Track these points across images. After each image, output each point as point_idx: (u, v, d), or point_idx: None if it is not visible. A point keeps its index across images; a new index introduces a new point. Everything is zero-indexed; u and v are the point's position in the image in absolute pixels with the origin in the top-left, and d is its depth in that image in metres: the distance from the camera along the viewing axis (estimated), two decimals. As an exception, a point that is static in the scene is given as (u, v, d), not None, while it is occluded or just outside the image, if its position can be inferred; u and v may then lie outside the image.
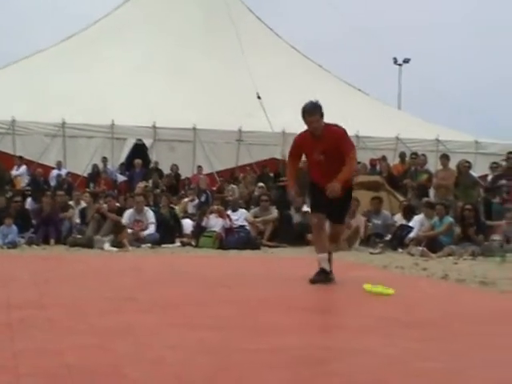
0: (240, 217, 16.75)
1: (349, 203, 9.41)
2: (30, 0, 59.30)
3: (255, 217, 16.95)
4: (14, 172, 21.90)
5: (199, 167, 23.41)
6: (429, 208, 15.62)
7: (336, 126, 8.80)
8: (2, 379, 4.09)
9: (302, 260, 13.16)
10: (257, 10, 34.34)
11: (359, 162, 20.56)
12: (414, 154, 21.58)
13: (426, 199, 17.54)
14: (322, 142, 8.56)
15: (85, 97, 24.74)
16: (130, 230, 15.64)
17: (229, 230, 16.09)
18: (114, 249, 14.63)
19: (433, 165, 21.12)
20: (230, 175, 23.25)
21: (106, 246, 14.75)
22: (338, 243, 9.44)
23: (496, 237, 15.21)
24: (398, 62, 46.20)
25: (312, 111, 8.58)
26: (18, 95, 24.64)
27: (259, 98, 26.57)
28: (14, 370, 4.25)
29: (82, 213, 16.64)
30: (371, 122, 25.80)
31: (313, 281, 8.47)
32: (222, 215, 16.30)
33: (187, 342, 5.11)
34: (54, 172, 22.31)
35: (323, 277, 8.57)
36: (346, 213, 9.46)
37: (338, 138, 8.61)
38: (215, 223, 16.13)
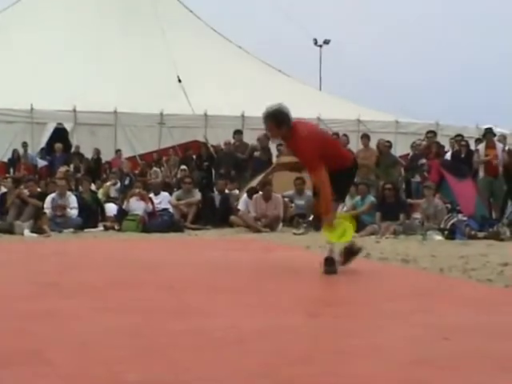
0: (163, 200, 16.71)
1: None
2: None
3: (178, 199, 16.94)
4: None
5: (119, 151, 23.22)
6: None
7: (302, 124, 8.10)
8: None
9: (226, 242, 13.25)
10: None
11: (280, 144, 20.73)
12: (336, 134, 21.75)
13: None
14: (293, 146, 8.04)
15: (3, 81, 24.31)
16: (54, 218, 15.45)
17: (152, 214, 16.04)
18: (35, 235, 14.44)
19: (354, 145, 21.32)
20: (152, 158, 23.13)
21: (26, 231, 14.54)
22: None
23: (416, 215, 15.49)
24: (319, 44, 46.46)
25: (264, 119, 7.93)
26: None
27: (180, 81, 26.52)
28: None
29: (2, 198, 16.36)
30: (292, 102, 25.82)
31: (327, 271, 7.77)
32: (143, 198, 16.23)
33: (111, 326, 5.11)
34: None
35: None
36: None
37: (297, 148, 7.94)
38: (137, 206, 16.05)
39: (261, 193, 16.06)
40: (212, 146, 22.98)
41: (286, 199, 16.61)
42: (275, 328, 5.09)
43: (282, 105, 7.93)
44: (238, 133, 21.13)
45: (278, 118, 7.77)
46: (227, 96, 25.50)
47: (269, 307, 6.02)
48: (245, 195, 16.37)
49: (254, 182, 17.14)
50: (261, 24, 58.95)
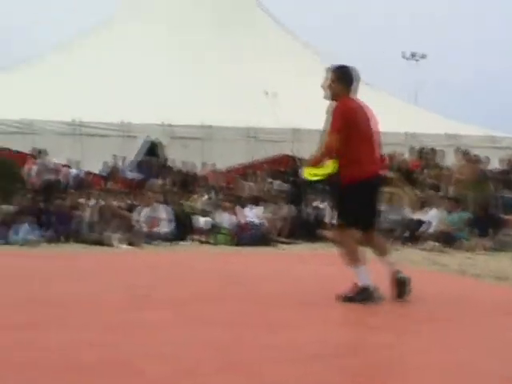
0: (253, 213, 16.75)
1: (343, 202, 7.36)
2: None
3: (269, 213, 16.96)
4: (27, 170, 21.88)
5: (211, 164, 23.39)
6: (446, 202, 15.60)
7: (348, 100, 7.34)
8: (29, 375, 4.13)
9: (316, 256, 13.19)
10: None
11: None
12: (426, 149, 21.49)
13: (441, 194, 17.47)
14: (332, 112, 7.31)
15: (97, 96, 24.78)
16: (145, 229, 15.69)
17: (242, 227, 16.11)
18: (126, 246, 14.66)
19: (447, 160, 21.00)
20: (243, 172, 23.22)
21: (119, 243, 14.78)
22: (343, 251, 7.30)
23: (509, 231, 15.17)
24: (410, 57, 45.92)
25: (330, 68, 7.44)
26: (33, 94, 24.69)
27: (269, 94, 26.58)
28: (29, 365, 4.29)
29: (96, 211, 16.65)
30: (382, 117, 25.63)
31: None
32: (232, 212, 16.31)
33: (200, 339, 5.13)
34: (69, 170, 22.32)
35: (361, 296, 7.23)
36: (340, 212, 7.40)
37: (332, 112, 7.25)
38: (227, 220, 16.16)
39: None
40: (301, 159, 22.94)
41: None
42: (364, 344, 5.05)
43: (354, 70, 7.45)
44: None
45: (344, 74, 7.37)
46: (316, 110, 25.41)
47: (358, 323, 5.96)
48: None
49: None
50: (351, 37, 58.75)
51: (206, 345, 4.93)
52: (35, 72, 27.32)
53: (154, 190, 17.81)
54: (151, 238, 15.58)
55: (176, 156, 23.58)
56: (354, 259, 7.11)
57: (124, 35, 29.42)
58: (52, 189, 18.50)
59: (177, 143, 24.38)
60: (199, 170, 23.08)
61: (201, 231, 16.65)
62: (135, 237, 15.12)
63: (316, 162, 7.35)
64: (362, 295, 6.94)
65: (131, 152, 24.19)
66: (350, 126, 7.10)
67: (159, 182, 20.54)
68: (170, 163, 23.22)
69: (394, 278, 7.12)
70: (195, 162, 23.25)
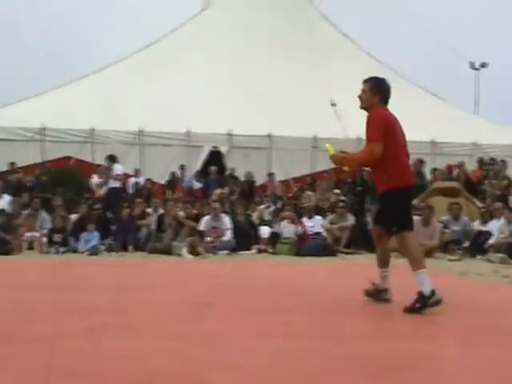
0: (316, 223, 16.72)
1: (386, 209, 7.58)
2: (108, 10, 60.13)
3: (331, 223, 16.91)
4: (93, 180, 22.18)
5: (272, 174, 23.45)
6: (508, 213, 15.41)
7: (384, 110, 7.67)
8: (86, 383, 4.18)
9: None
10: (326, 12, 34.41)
11: (435, 169, 20.38)
12: (492, 160, 21.24)
13: (502, 204, 17.24)
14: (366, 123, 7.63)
15: (161, 105, 25.00)
16: (208, 238, 15.77)
17: (303, 237, 16.09)
18: (191, 256, 14.76)
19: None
20: (306, 182, 23.21)
21: (184, 252, 14.88)
22: (408, 257, 7.41)
23: None
24: (475, 67, 45.46)
25: (366, 79, 7.84)
26: (97, 104, 25.02)
27: (333, 105, 26.45)
28: (97, 374, 4.35)
29: (160, 220, 16.80)
30: (448, 127, 25.49)
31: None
32: (294, 221, 16.32)
33: (264, 348, 5.16)
34: (132, 180, 22.56)
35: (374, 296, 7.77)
36: (388, 218, 7.52)
37: (368, 122, 7.56)
38: (288, 230, 16.17)
39: (418, 217, 15.83)
40: (366, 170, 22.84)
41: (441, 225, 16.30)
42: (431, 356, 5.01)
43: (387, 81, 7.91)
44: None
45: (378, 86, 7.77)
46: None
47: (419, 334, 5.92)
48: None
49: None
50: (415, 48, 58.21)
51: (272, 354, 4.95)
52: (100, 82, 27.67)
53: (217, 200, 17.88)
54: (215, 247, 15.66)
55: (238, 165, 23.67)
56: (420, 263, 7.22)
57: (188, 46, 29.65)
58: (117, 198, 18.70)
59: (239, 153, 24.50)
60: (262, 180, 23.14)
61: (262, 241, 16.68)
62: (199, 246, 15.20)
63: (350, 163, 8.08)
64: (428, 302, 6.95)
65: (194, 161, 24.36)
66: (389, 134, 7.39)
67: (222, 191, 20.62)
68: (232, 173, 23.32)
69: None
70: (258, 171, 23.30)
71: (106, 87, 26.77)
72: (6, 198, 17.68)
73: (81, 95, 26.37)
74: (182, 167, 23.29)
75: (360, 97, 7.75)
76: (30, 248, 15.65)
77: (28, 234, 15.87)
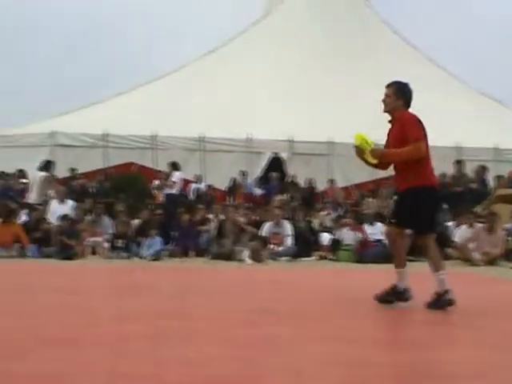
0: (377, 230, 16.59)
1: (417, 207, 7.59)
2: (170, 18, 60.64)
3: (393, 230, 16.77)
4: (153, 186, 22.31)
5: (333, 180, 23.36)
6: None
7: (411, 113, 7.87)
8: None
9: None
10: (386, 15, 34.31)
11: (499, 176, 20.09)
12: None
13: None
14: (392, 129, 7.94)
15: (223, 111, 25.11)
16: (271, 246, 15.78)
17: (365, 244, 16.00)
18: (251, 261, 14.78)
19: None
20: (367, 188, 23.08)
21: (246, 258, 14.91)
22: (428, 257, 7.77)
23: None
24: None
25: (389, 84, 7.99)
26: (159, 110, 25.23)
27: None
28: (158, 379, 4.36)
29: (221, 226, 16.85)
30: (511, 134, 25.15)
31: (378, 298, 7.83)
32: (355, 228, 16.24)
33: (328, 354, 5.12)
34: (194, 185, 22.68)
35: (392, 297, 7.82)
36: (419, 218, 7.59)
37: (404, 123, 7.72)
38: (349, 236, 16.10)
39: (482, 225, 15.63)
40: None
41: (505, 232, 16.07)
42: (496, 365, 4.93)
43: (409, 86, 8.03)
44: (458, 163, 20.82)
45: (401, 90, 7.93)
46: (442, 127, 25.08)
47: (486, 342, 5.83)
48: (463, 227, 16.01)
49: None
50: (477, 53, 57.55)
51: (336, 361, 4.91)
52: (162, 88, 27.93)
53: (278, 206, 17.88)
54: (276, 253, 15.66)
55: (299, 172, 23.65)
56: (440, 264, 7.66)
57: (249, 53, 29.75)
58: (178, 203, 18.81)
59: (300, 159, 24.47)
60: (322, 187, 23.08)
61: (323, 247, 16.64)
62: (260, 252, 15.21)
63: (392, 158, 7.97)
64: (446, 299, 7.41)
65: (255, 167, 24.40)
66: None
67: (283, 197, 20.62)
68: (293, 179, 23.29)
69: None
70: (318, 177, 23.26)
71: (168, 93, 27.01)
72: (70, 203, 17.91)
73: (143, 101, 26.64)
74: (243, 173, 23.34)
75: (384, 101, 7.93)
76: (93, 253, 15.84)
77: (91, 239, 16.06)
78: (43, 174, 19.09)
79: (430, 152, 7.76)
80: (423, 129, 7.72)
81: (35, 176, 19.41)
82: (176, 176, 19.94)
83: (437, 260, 7.70)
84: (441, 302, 7.41)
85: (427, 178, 7.66)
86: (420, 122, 7.76)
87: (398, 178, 7.95)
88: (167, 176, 19.93)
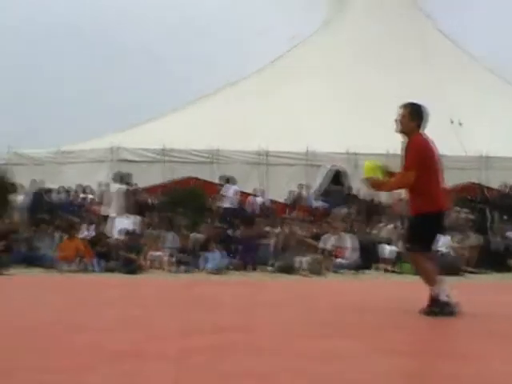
0: (442, 243, 16.45)
1: (419, 230, 7.90)
2: (233, 29, 60.93)
3: (456, 242, 16.61)
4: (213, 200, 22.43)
5: (396, 193, 23.17)
6: None
7: (422, 136, 8.00)
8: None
9: (502, 287, 12.80)
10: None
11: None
12: None
13: None
14: (405, 151, 8.09)
15: (283, 125, 25.16)
16: (333, 259, 15.74)
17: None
18: (312, 274, 14.75)
19: None
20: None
21: (303, 271, 14.90)
22: (421, 275, 8.00)
23: None
24: None
25: (404, 104, 8.13)
26: (220, 125, 25.36)
27: (452, 122, 26.08)
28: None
29: (281, 238, 16.86)
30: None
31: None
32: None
33: (393, 366, 5.09)
34: (255, 199, 22.74)
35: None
36: (415, 239, 7.93)
37: (410, 147, 7.97)
38: (412, 249, 15.97)
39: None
40: (488, 188, 22.43)
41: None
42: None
43: (425, 107, 8.13)
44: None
45: (416, 111, 8.05)
46: (503, 137, 24.81)
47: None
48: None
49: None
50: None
51: (401, 374, 4.88)
52: (222, 102, 28.10)
53: (339, 219, 17.84)
54: (337, 266, 15.62)
55: (361, 185, 23.51)
56: (433, 279, 7.79)
57: (308, 66, 29.81)
58: (238, 217, 18.89)
59: (360, 171, 24.34)
60: (383, 199, 22.92)
61: (386, 260, 16.54)
62: (321, 265, 15.18)
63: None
64: (443, 309, 7.61)
65: (315, 180, 24.36)
66: (426, 161, 7.82)
67: (344, 210, 20.56)
68: (354, 192, 23.20)
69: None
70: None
71: (227, 107, 27.16)
72: (132, 218, 18.08)
73: (203, 115, 26.82)
74: (303, 186, 23.32)
75: (399, 121, 8.07)
76: (155, 267, 15.95)
77: (153, 253, 16.18)
78: (122, 186, 19.21)
79: (440, 175, 7.96)
80: (429, 156, 7.87)
81: (112, 189, 19.51)
82: (227, 190, 20.04)
83: (429, 275, 7.87)
84: (442, 312, 7.59)
85: (434, 203, 7.81)
86: (427, 148, 7.91)
87: (409, 201, 8.13)
88: (227, 190, 20.05)
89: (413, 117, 8.00)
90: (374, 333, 6.76)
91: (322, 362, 5.28)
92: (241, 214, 20.39)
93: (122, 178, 19.66)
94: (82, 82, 54.46)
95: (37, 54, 54.62)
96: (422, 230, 7.87)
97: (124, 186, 19.22)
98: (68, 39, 55.47)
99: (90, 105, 52.10)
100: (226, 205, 20.88)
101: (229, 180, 20.97)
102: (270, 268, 15.63)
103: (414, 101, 8.25)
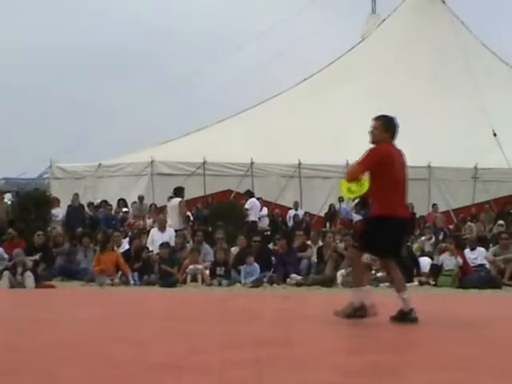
0: (479, 255, 16.33)
1: (369, 231, 8.48)
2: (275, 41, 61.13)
3: (495, 255, 16.46)
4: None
5: (434, 205, 23.09)
6: None
7: (388, 146, 8.43)
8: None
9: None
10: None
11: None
12: None
13: None
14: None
15: (319, 138, 25.17)
16: (373, 272, 15.66)
17: (466, 269, 15.73)
18: (351, 288, 14.68)
19: None
20: (469, 213, 22.73)
21: (343, 284, 14.84)
22: (390, 279, 9.04)
23: None
24: None
25: (377, 117, 8.55)
26: (256, 138, 25.45)
27: (495, 135, 25.88)
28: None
29: (320, 252, 16.83)
30: None
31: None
32: (456, 253, 15.99)
33: (436, 382, 5.05)
34: (292, 212, 22.75)
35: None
36: (361, 237, 8.76)
37: (369, 150, 8.42)
38: (449, 261, 15.85)
39: None
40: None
41: None
42: None
43: (395, 120, 8.56)
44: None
45: (388, 123, 8.48)
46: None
47: None
48: None
49: None
50: None
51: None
52: (258, 116, 28.18)
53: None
54: (377, 279, 15.54)
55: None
56: (402, 285, 8.42)
57: (345, 78, 29.83)
58: (276, 230, 18.91)
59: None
60: (421, 211, 22.83)
61: (424, 273, 16.43)
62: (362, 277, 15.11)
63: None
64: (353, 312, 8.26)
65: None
66: (381, 167, 8.15)
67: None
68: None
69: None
70: (417, 202, 22.99)
71: (264, 120, 27.24)
72: (170, 231, 18.15)
73: (239, 129, 26.91)
74: (341, 199, 23.27)
75: (371, 132, 8.48)
76: (194, 280, 15.98)
77: (191, 267, 16.21)
78: (179, 199, 19.39)
79: (401, 183, 8.37)
80: (385, 162, 8.19)
81: (172, 203, 19.67)
82: (249, 204, 20.13)
83: (399, 282, 8.47)
84: (405, 319, 8.12)
85: (391, 208, 8.14)
86: (386, 155, 8.27)
87: (371, 204, 8.62)
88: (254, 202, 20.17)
89: (385, 129, 8.41)
90: (417, 347, 6.73)
91: (360, 376, 5.27)
92: (280, 228, 20.43)
93: (179, 191, 19.80)
94: (120, 96, 54.95)
95: (79, 73, 55.38)
96: (371, 231, 8.35)
97: (179, 199, 19.38)
98: (109, 59, 56.14)
99: (129, 119, 52.47)
100: (252, 218, 20.96)
101: (252, 194, 21.08)
102: (309, 281, 15.59)
103: (386, 113, 8.68)
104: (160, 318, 9.18)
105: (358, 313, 8.31)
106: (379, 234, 8.19)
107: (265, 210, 22.37)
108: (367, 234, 8.47)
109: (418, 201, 23.35)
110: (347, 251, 9.37)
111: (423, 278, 16.00)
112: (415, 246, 18.66)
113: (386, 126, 8.42)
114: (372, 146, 8.43)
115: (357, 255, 8.67)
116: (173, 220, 18.86)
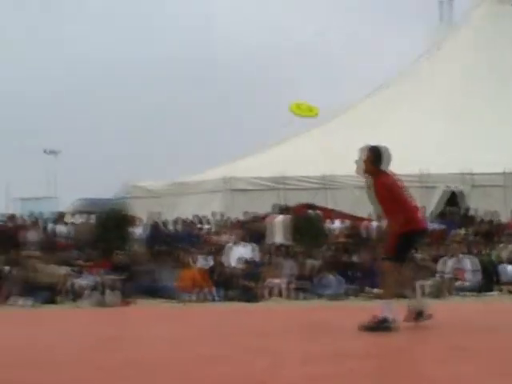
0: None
1: (394, 243, 8.71)
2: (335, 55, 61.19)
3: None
4: (331, 225, 22.41)
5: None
6: None
7: (387, 175, 8.85)
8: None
9: None
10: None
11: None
12: None
13: None
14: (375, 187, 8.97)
15: (393, 149, 25.03)
16: (454, 281, 15.53)
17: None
18: (429, 298, 14.56)
19: None
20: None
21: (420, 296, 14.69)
22: (382, 281, 9.20)
23: None
24: None
25: (364, 149, 8.93)
26: (331, 151, 25.41)
27: None
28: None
29: (399, 263, 16.69)
30: None
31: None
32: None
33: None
34: (374, 224, 22.62)
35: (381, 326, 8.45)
36: (389, 250, 8.84)
37: (378, 189, 8.93)
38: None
39: None
40: None
41: None
42: None
43: (386, 149, 8.95)
44: None
45: (376, 155, 8.81)
46: None
47: None
48: None
49: None
50: None
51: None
52: (331, 130, 28.22)
53: (457, 241, 17.58)
54: (457, 289, 15.39)
55: (478, 205, 23.13)
56: (390, 293, 8.67)
57: (415, 85, 29.71)
58: (359, 243, 18.86)
59: (478, 192, 23.96)
60: (504, 218, 22.45)
61: (506, 281, 16.18)
62: (440, 288, 14.98)
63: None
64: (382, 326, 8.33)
65: (431, 202, 24.07)
66: (396, 194, 8.76)
67: (462, 232, 20.23)
68: (472, 212, 22.80)
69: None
70: (499, 210, 22.67)
71: (336, 134, 27.27)
72: (249, 246, 18.24)
73: (313, 143, 26.95)
74: (420, 208, 23.05)
75: (361, 164, 8.89)
76: (274, 294, 16.01)
77: (271, 281, 16.25)
78: (282, 216, 19.68)
79: (406, 203, 8.83)
80: (397, 190, 8.89)
81: (274, 220, 20.01)
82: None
83: (389, 288, 8.72)
84: (378, 327, 8.33)
85: (402, 226, 8.54)
86: (392, 186, 8.87)
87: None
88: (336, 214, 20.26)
89: (375, 160, 8.80)
90: (500, 356, 6.63)
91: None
92: (362, 240, 20.36)
93: (281, 208, 20.16)
94: (195, 116, 55.56)
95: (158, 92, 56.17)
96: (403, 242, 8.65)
97: (283, 216, 19.73)
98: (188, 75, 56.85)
99: (205, 136, 53.06)
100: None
101: (311, 206, 21.18)
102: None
103: (375, 143, 9.04)
104: (241, 333, 9.23)
105: (383, 325, 8.42)
106: (406, 246, 8.78)
107: (337, 222, 22.35)
108: (400, 246, 8.67)
109: (499, 207, 23.02)
110: (380, 264, 9.41)
111: (505, 286, 15.73)
112: (497, 254, 18.36)
113: (375, 158, 8.81)
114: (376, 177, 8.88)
115: (391, 267, 8.72)
116: (278, 236, 19.17)
